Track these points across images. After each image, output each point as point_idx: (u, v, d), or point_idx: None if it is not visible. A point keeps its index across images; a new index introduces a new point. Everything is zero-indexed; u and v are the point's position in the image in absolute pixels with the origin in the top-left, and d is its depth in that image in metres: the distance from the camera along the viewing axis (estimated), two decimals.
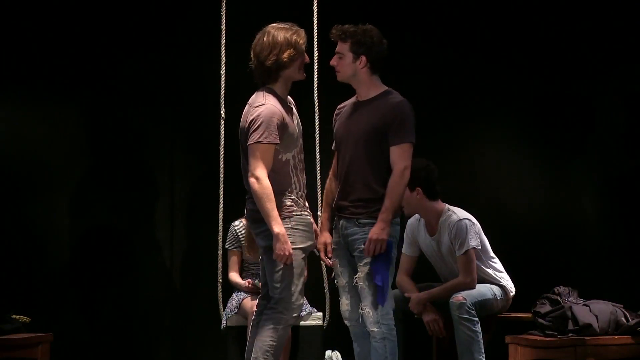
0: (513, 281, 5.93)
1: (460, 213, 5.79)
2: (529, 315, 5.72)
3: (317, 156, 6.20)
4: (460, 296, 5.58)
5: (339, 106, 5.14)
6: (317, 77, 6.09)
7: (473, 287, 5.68)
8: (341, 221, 4.99)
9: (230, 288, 6.27)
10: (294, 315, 4.75)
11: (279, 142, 4.65)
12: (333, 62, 4.99)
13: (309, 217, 4.79)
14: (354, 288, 4.96)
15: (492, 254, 5.90)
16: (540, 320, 5.58)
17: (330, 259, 5.06)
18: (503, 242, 6.28)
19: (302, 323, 6.12)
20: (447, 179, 6.08)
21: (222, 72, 6.18)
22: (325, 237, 5.08)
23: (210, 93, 6.34)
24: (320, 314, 6.18)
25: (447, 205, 5.82)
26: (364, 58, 4.93)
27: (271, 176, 4.65)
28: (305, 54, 4.82)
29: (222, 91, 6.19)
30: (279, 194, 4.68)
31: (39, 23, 6.84)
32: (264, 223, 4.67)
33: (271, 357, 4.70)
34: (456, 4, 7.01)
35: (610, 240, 6.83)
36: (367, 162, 4.90)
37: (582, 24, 6.88)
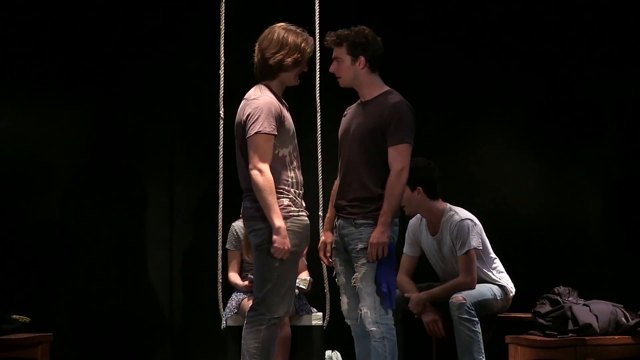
0: (513, 281, 5.93)
1: (462, 213, 5.78)
2: (529, 315, 5.71)
3: (319, 156, 6.20)
4: (460, 296, 5.58)
5: (347, 108, 5.14)
6: (319, 76, 6.09)
7: (473, 287, 5.68)
8: (339, 221, 5.00)
9: (230, 288, 6.27)
10: (276, 316, 4.67)
11: (277, 134, 4.64)
12: (332, 69, 4.99)
13: (305, 219, 4.76)
14: (352, 288, 4.96)
15: (492, 254, 5.90)
16: (540, 320, 5.57)
17: (330, 258, 5.07)
18: (503, 242, 6.27)
19: (302, 323, 6.12)
20: (447, 179, 6.07)
21: (222, 72, 6.19)
22: (326, 237, 5.09)
23: (209, 93, 6.34)
24: (320, 314, 6.18)
25: (448, 204, 5.82)
26: (362, 58, 4.92)
27: None
28: (306, 64, 4.81)
29: (222, 91, 6.20)
30: (276, 190, 4.64)
31: (39, 23, 6.84)
32: (258, 221, 4.64)
33: (259, 359, 4.66)
34: (457, 4, 7.00)
35: (610, 240, 6.82)
36: (363, 161, 4.89)
37: (585, 25, 6.87)
